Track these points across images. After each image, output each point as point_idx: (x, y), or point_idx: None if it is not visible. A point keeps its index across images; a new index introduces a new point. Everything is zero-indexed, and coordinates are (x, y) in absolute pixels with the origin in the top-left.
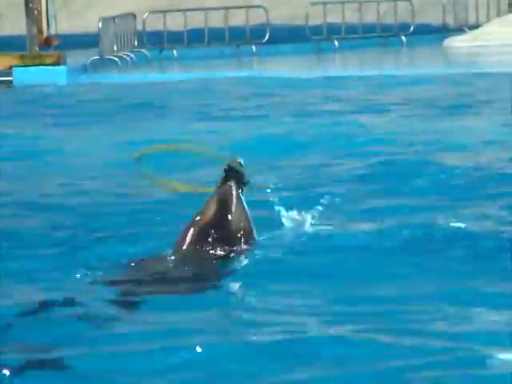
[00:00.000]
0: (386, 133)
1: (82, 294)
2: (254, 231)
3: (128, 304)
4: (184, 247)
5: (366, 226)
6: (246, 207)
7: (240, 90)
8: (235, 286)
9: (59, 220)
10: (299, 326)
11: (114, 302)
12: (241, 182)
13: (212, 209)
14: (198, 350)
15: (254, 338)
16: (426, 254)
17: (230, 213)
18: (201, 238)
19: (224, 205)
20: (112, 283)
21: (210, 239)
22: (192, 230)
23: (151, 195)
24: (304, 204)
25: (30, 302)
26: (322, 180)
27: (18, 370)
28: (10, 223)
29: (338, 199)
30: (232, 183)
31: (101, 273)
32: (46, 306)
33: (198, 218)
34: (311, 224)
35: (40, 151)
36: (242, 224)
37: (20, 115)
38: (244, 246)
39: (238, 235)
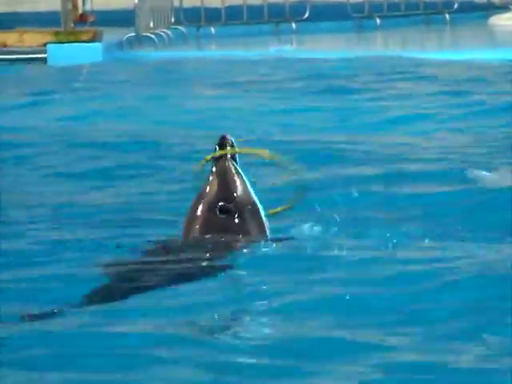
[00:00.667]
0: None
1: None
2: (258, 203)
3: (135, 289)
4: (194, 226)
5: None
6: (246, 179)
7: (276, 69)
8: (246, 269)
9: (80, 197)
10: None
11: (121, 287)
12: (234, 159)
13: (214, 184)
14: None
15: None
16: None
17: (232, 185)
18: (210, 216)
19: (225, 178)
20: (121, 266)
21: (219, 216)
22: (200, 207)
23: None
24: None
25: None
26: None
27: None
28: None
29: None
30: (228, 160)
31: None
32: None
33: (202, 195)
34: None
35: (74, 127)
36: (248, 199)
37: (54, 92)
38: (255, 225)
39: (248, 210)
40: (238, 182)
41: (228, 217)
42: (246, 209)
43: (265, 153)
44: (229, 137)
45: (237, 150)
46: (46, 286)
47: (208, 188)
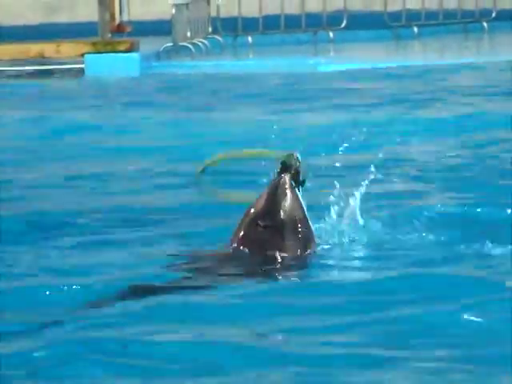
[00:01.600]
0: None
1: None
2: (311, 226)
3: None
4: (237, 240)
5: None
6: (302, 201)
7: (319, 79)
8: (281, 286)
9: (123, 205)
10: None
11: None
12: (297, 178)
13: (263, 198)
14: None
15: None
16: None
17: (281, 201)
18: (252, 229)
19: (274, 193)
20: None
21: (261, 230)
22: (244, 221)
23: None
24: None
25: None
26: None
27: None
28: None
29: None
30: (286, 176)
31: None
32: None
33: (250, 209)
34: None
35: (113, 137)
36: (295, 215)
37: (92, 103)
38: (298, 242)
39: (292, 226)
40: (287, 199)
41: (269, 232)
42: (289, 226)
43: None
44: (296, 156)
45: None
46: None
47: (256, 201)
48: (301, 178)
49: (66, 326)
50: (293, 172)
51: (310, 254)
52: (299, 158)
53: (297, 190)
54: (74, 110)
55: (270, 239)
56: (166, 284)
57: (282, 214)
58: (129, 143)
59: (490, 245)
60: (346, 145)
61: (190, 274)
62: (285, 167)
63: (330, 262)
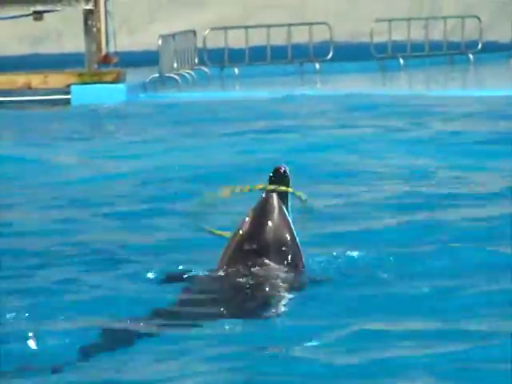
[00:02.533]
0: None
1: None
2: (299, 246)
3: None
4: (223, 264)
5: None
6: (290, 220)
7: (304, 108)
8: (268, 312)
9: (106, 238)
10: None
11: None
12: (285, 194)
13: (248, 220)
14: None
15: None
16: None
17: (267, 223)
18: (237, 253)
19: (260, 214)
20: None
21: (247, 253)
22: (230, 245)
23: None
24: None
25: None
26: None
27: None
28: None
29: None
30: (272, 194)
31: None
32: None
33: (236, 232)
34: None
35: (98, 169)
36: (283, 235)
37: (78, 134)
38: (285, 263)
39: (279, 248)
40: (273, 219)
41: (255, 255)
42: (275, 248)
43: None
44: (283, 169)
45: (287, 189)
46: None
47: (242, 223)
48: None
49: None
50: (281, 188)
51: (298, 274)
52: (287, 172)
53: (284, 207)
54: (59, 141)
55: (256, 262)
56: (149, 318)
57: (267, 236)
58: (115, 171)
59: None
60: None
61: (174, 307)
62: (272, 182)
63: (320, 280)
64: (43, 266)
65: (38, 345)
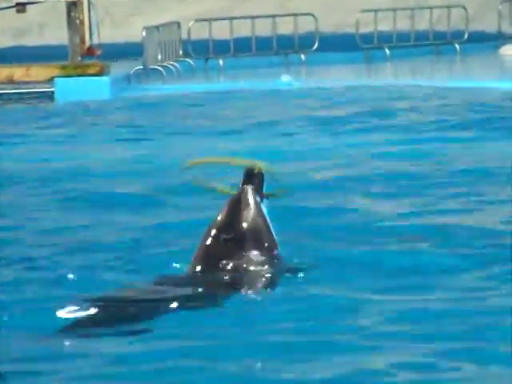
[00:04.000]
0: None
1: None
2: (275, 238)
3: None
4: (199, 256)
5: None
6: (266, 212)
7: (290, 101)
8: (245, 303)
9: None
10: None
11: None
12: (260, 188)
13: (224, 211)
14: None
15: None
16: None
17: (242, 213)
18: (213, 243)
19: (235, 206)
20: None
21: (222, 244)
22: (205, 236)
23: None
24: None
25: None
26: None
27: None
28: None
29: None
30: (248, 186)
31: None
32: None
33: (211, 223)
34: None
35: (82, 162)
36: (257, 226)
37: (62, 127)
38: (260, 253)
39: (254, 238)
40: (248, 209)
41: (231, 245)
42: (251, 237)
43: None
44: (259, 165)
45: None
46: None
47: (218, 214)
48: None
49: None
50: (256, 181)
51: (273, 263)
52: (263, 167)
53: (259, 199)
54: (43, 134)
55: (232, 252)
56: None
57: (242, 225)
58: (98, 167)
59: None
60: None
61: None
62: (248, 176)
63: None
64: (29, 260)
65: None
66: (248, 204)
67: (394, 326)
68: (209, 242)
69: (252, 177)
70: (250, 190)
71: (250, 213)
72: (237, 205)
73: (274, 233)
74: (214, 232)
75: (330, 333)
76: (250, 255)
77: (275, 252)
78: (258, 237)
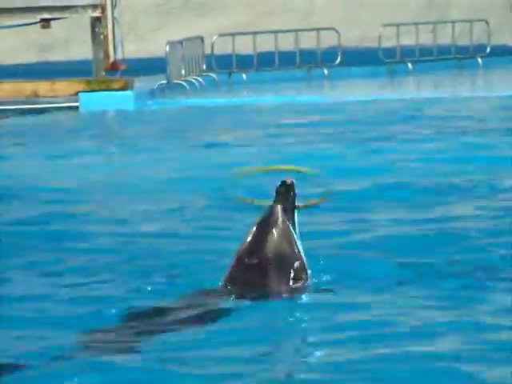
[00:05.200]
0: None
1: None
2: (305, 262)
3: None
4: (226, 280)
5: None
6: (296, 233)
7: (309, 115)
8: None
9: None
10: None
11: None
12: (291, 206)
13: (251, 233)
14: None
15: None
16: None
17: (268, 237)
18: (239, 267)
19: (262, 228)
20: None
21: (247, 268)
22: (235, 255)
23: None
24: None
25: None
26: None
27: None
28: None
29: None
30: (276, 206)
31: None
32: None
33: (240, 245)
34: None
35: (106, 176)
36: (284, 249)
37: (87, 141)
38: (288, 281)
39: (280, 262)
40: (275, 233)
41: (256, 270)
42: (276, 263)
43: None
44: (289, 182)
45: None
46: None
47: (246, 236)
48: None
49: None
50: (286, 200)
51: (299, 289)
52: (294, 185)
53: (287, 220)
54: (69, 149)
55: (257, 277)
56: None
57: (267, 250)
58: (121, 180)
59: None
60: None
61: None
62: (279, 192)
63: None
64: (38, 272)
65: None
66: (275, 226)
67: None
68: (234, 266)
69: (283, 191)
70: (278, 209)
71: (276, 237)
72: (264, 227)
73: (302, 253)
74: (239, 256)
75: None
76: (272, 282)
77: (303, 277)
78: (284, 262)
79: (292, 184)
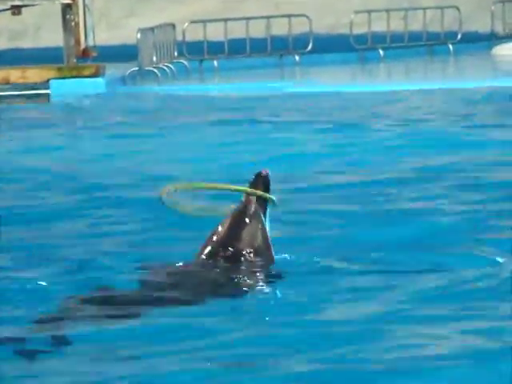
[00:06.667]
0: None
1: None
2: (272, 252)
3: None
4: (197, 264)
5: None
6: (267, 226)
7: (282, 103)
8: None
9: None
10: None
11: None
12: (265, 198)
13: (225, 225)
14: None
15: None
16: None
17: (242, 230)
18: (212, 258)
19: (237, 220)
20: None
21: (221, 257)
22: (204, 248)
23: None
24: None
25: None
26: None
27: None
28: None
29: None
30: (251, 199)
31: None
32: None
33: (212, 235)
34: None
35: (77, 163)
36: (256, 242)
37: (58, 128)
38: (257, 267)
39: (251, 254)
40: (250, 226)
41: (227, 262)
42: (249, 254)
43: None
44: (264, 174)
45: (266, 195)
46: None
47: (220, 227)
48: (269, 196)
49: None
50: (260, 193)
51: (267, 279)
52: (268, 176)
53: (261, 214)
54: (39, 135)
55: (227, 268)
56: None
57: (242, 242)
58: (94, 165)
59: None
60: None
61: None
62: (255, 182)
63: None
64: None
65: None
66: (249, 218)
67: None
68: (207, 254)
69: (259, 182)
70: (253, 201)
71: (250, 229)
72: (239, 218)
73: (271, 244)
74: (212, 247)
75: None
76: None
77: (271, 265)
78: (255, 253)
79: (267, 175)
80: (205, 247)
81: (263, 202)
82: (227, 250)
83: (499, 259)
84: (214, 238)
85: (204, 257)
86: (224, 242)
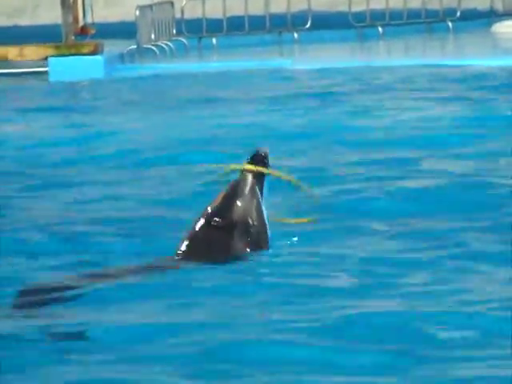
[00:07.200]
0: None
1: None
2: (267, 228)
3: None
4: (186, 240)
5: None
6: (262, 202)
7: (279, 81)
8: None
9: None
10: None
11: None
12: (262, 176)
13: (219, 197)
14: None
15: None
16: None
17: (237, 201)
18: (203, 228)
19: (232, 192)
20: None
21: (213, 230)
22: (198, 220)
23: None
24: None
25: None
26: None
27: None
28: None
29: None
30: (248, 174)
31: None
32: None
33: (207, 206)
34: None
35: (75, 141)
36: (250, 216)
37: (56, 105)
38: (248, 242)
39: (245, 227)
40: (245, 200)
41: (219, 232)
42: (240, 229)
43: (291, 178)
44: (263, 152)
45: (265, 170)
46: None
47: (215, 199)
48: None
49: None
50: (258, 169)
51: (259, 255)
52: (267, 155)
53: (257, 189)
54: (37, 113)
55: (219, 239)
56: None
57: (234, 214)
58: (93, 144)
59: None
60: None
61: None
62: (252, 159)
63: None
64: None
65: None
66: (244, 192)
67: None
68: (198, 225)
69: (257, 160)
70: (249, 177)
71: (243, 202)
72: (232, 193)
73: (267, 222)
74: (204, 217)
75: None
76: (234, 245)
77: (264, 245)
78: (247, 228)
79: (266, 154)
80: (198, 218)
81: (261, 181)
82: (219, 220)
83: None
84: (207, 210)
85: (197, 228)
86: (216, 213)
